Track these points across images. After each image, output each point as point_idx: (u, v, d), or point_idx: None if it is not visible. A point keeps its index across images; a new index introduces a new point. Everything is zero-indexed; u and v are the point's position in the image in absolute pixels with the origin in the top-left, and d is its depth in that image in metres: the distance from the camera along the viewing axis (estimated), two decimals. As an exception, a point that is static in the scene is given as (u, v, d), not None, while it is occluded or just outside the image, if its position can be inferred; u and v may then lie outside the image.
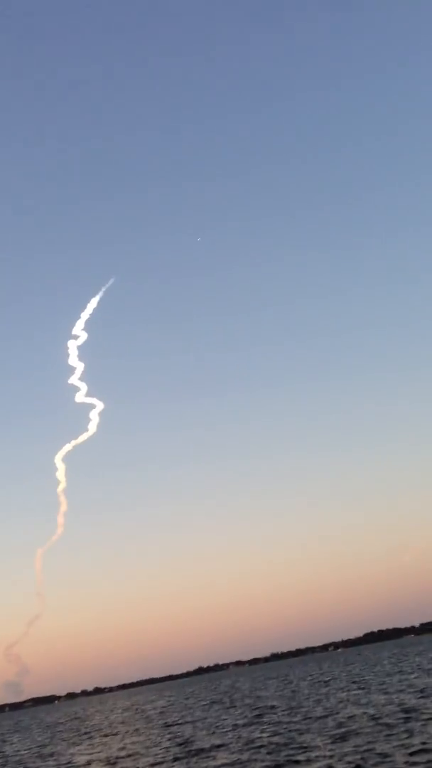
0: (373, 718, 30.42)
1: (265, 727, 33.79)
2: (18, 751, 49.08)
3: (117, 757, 32.53)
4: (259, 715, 40.44)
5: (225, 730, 35.60)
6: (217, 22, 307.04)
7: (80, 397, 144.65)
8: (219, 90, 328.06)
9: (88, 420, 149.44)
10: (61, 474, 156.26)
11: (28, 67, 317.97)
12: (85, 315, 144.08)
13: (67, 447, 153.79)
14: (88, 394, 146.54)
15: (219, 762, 25.86)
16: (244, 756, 26.21)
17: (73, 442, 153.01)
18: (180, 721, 46.08)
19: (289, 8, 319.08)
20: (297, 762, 23.64)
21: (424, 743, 22.85)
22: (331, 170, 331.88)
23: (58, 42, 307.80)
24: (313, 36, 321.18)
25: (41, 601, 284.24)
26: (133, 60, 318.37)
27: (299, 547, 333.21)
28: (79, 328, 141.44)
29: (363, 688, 47.27)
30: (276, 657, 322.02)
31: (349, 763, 21.92)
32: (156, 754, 30.71)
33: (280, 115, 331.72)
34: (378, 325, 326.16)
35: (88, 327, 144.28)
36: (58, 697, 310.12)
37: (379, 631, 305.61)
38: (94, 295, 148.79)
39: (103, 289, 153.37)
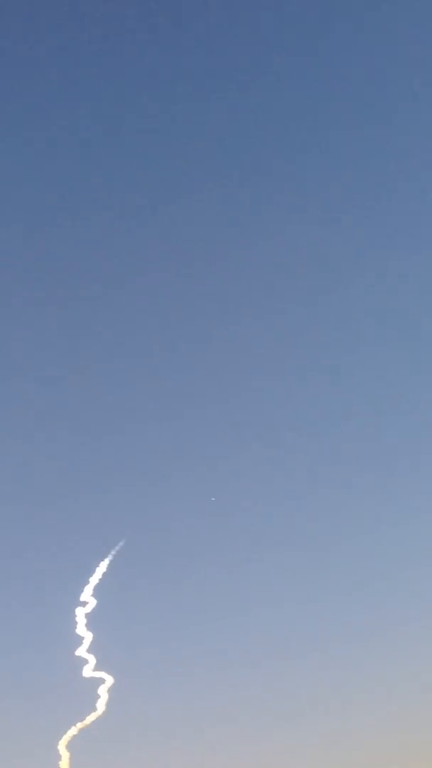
0: None
1: None
2: None
3: None
4: None
5: None
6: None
7: (88, 671, 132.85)
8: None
9: (97, 697, 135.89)
10: (65, 764, 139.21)
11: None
12: (94, 580, 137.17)
13: (73, 731, 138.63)
14: (96, 668, 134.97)
15: None
16: None
17: (80, 725, 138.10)
18: None
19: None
20: None
21: None
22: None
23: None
24: None
25: None
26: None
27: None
28: (87, 594, 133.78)
29: None
30: None
31: None
32: None
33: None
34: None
35: (96, 593, 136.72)
36: None
37: None
38: (103, 558, 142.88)
39: (113, 551, 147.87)
